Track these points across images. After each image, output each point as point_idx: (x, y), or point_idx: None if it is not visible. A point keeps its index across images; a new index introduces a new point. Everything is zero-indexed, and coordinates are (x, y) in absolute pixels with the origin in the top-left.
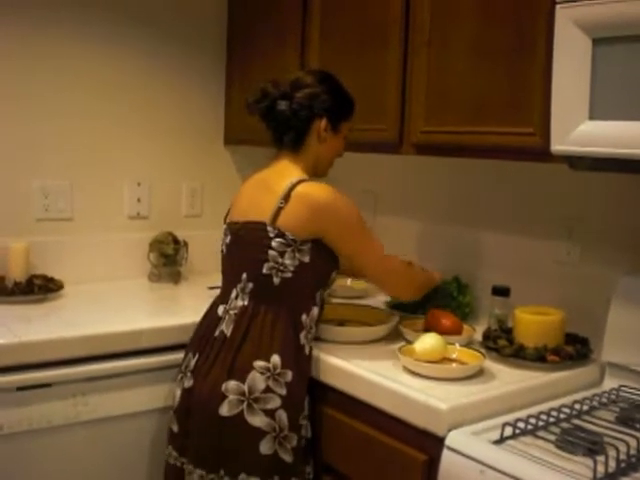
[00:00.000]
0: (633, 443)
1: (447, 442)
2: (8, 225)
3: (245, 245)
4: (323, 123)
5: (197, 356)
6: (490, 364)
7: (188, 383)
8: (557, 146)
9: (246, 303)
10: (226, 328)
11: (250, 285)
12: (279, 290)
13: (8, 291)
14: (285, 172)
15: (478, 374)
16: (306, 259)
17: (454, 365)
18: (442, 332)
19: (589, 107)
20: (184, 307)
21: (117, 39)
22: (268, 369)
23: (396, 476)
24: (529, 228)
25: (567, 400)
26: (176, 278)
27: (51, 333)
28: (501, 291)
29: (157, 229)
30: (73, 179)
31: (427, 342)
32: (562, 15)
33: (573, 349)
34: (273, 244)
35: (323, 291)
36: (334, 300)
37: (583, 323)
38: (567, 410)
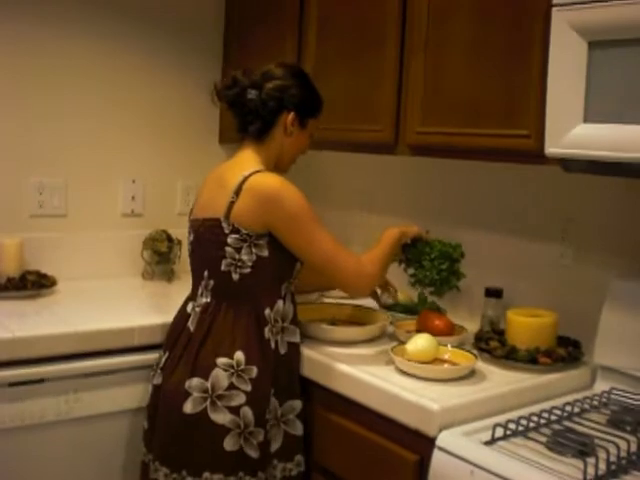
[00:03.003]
0: (623, 445)
1: (438, 442)
2: (2, 221)
3: (204, 242)
4: (291, 116)
5: (167, 353)
6: (482, 365)
7: (157, 380)
8: (551, 148)
9: (209, 300)
10: (191, 325)
11: (211, 282)
12: (239, 286)
13: (1, 287)
14: (242, 165)
15: (470, 375)
16: (265, 253)
17: (446, 366)
18: (434, 333)
19: (584, 110)
20: (177, 305)
21: (112, 37)
22: (232, 366)
23: (387, 476)
24: (523, 230)
25: (558, 402)
26: (169, 276)
27: (44, 329)
28: (494, 292)
29: (151, 227)
30: (68, 176)
31: (419, 343)
32: (558, 18)
33: (565, 351)
34: (229, 240)
35: (289, 284)
36: (326, 300)
37: (575, 325)
38: (558, 412)
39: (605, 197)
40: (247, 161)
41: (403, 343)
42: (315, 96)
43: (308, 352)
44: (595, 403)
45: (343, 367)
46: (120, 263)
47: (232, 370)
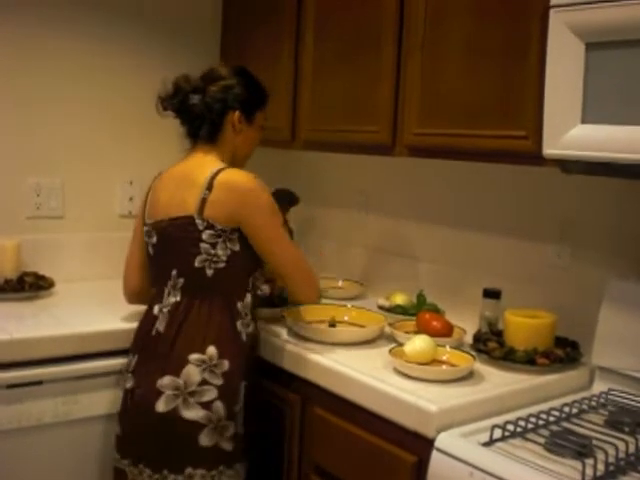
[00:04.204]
0: (622, 446)
1: (436, 444)
2: None
3: (174, 242)
4: (237, 115)
5: (136, 357)
6: (480, 366)
7: (129, 384)
8: (549, 150)
9: (179, 299)
10: (160, 326)
11: (181, 281)
12: (212, 281)
13: None
14: (205, 163)
15: (468, 376)
16: (237, 247)
17: (444, 367)
18: (432, 334)
19: (582, 111)
20: None
21: (109, 39)
22: (204, 361)
23: (385, 477)
24: (520, 231)
25: (556, 403)
26: None
27: (42, 331)
28: (492, 294)
29: None
30: (65, 177)
31: (417, 344)
32: (556, 19)
33: (563, 352)
34: (204, 236)
35: (254, 278)
36: (325, 301)
37: (573, 326)
38: (556, 413)
39: (603, 198)
40: (209, 160)
41: (401, 344)
42: (258, 90)
43: (307, 353)
44: (593, 404)
45: (342, 368)
46: (117, 264)
47: (204, 365)
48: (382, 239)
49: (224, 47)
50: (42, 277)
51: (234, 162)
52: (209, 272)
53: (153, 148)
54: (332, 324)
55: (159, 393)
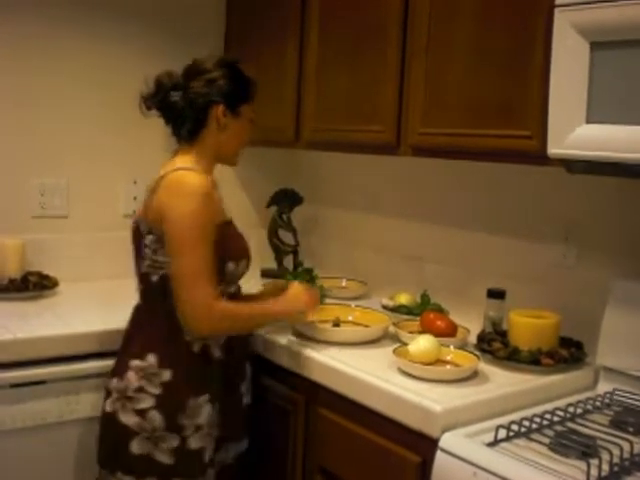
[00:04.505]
0: (626, 447)
1: (441, 444)
2: (4, 222)
3: (133, 246)
4: (220, 109)
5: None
6: (484, 366)
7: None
8: (554, 149)
9: (137, 302)
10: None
11: (139, 284)
12: (157, 287)
13: (3, 288)
14: (169, 165)
15: (472, 376)
16: None
17: (448, 367)
18: (437, 334)
19: (586, 111)
20: None
21: (113, 38)
22: (142, 368)
23: (390, 477)
24: (525, 231)
25: (561, 403)
26: None
27: (46, 330)
28: (496, 294)
29: None
30: (69, 177)
31: (421, 344)
32: (560, 19)
33: (567, 352)
34: (147, 242)
35: (224, 286)
36: (329, 301)
37: (578, 326)
38: (561, 413)
39: (608, 198)
40: (176, 161)
41: (406, 344)
42: (243, 81)
43: (311, 353)
44: (598, 404)
45: (345, 368)
46: (121, 264)
47: (142, 373)
48: (386, 239)
49: (228, 46)
50: (46, 277)
51: (223, 160)
52: (154, 278)
53: (157, 148)
54: (336, 324)
55: (108, 393)
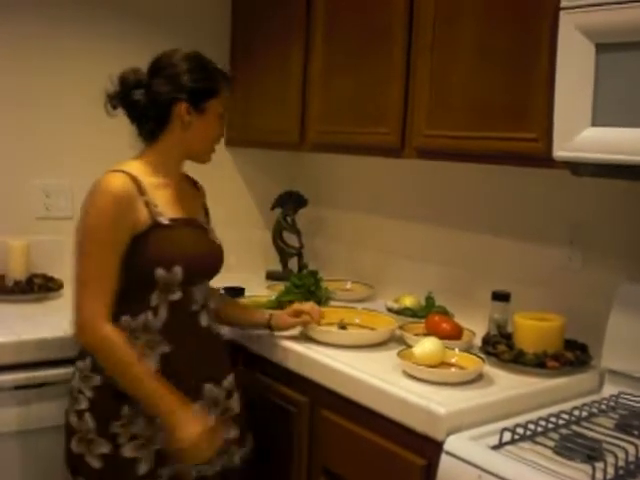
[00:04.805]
0: (632, 450)
1: (446, 447)
2: (9, 224)
3: None
4: (183, 107)
5: None
6: (489, 369)
7: None
8: (559, 152)
9: None
10: None
11: None
12: None
13: (8, 290)
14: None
15: (477, 379)
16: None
17: (453, 370)
18: (442, 336)
19: (592, 113)
20: None
21: (117, 38)
22: (81, 370)
23: None
24: (531, 233)
25: (566, 406)
26: None
27: (50, 332)
28: (501, 296)
29: None
30: (73, 178)
31: (426, 346)
32: (566, 20)
33: (573, 355)
34: None
35: (159, 293)
36: (334, 303)
37: (583, 329)
38: (566, 416)
39: (613, 201)
40: (122, 164)
41: (411, 347)
42: (208, 75)
43: (316, 356)
44: (603, 407)
45: (351, 371)
46: None
47: (81, 374)
48: (391, 241)
49: (233, 48)
50: (51, 278)
51: (192, 158)
52: None
53: None
54: (342, 326)
55: (70, 391)
